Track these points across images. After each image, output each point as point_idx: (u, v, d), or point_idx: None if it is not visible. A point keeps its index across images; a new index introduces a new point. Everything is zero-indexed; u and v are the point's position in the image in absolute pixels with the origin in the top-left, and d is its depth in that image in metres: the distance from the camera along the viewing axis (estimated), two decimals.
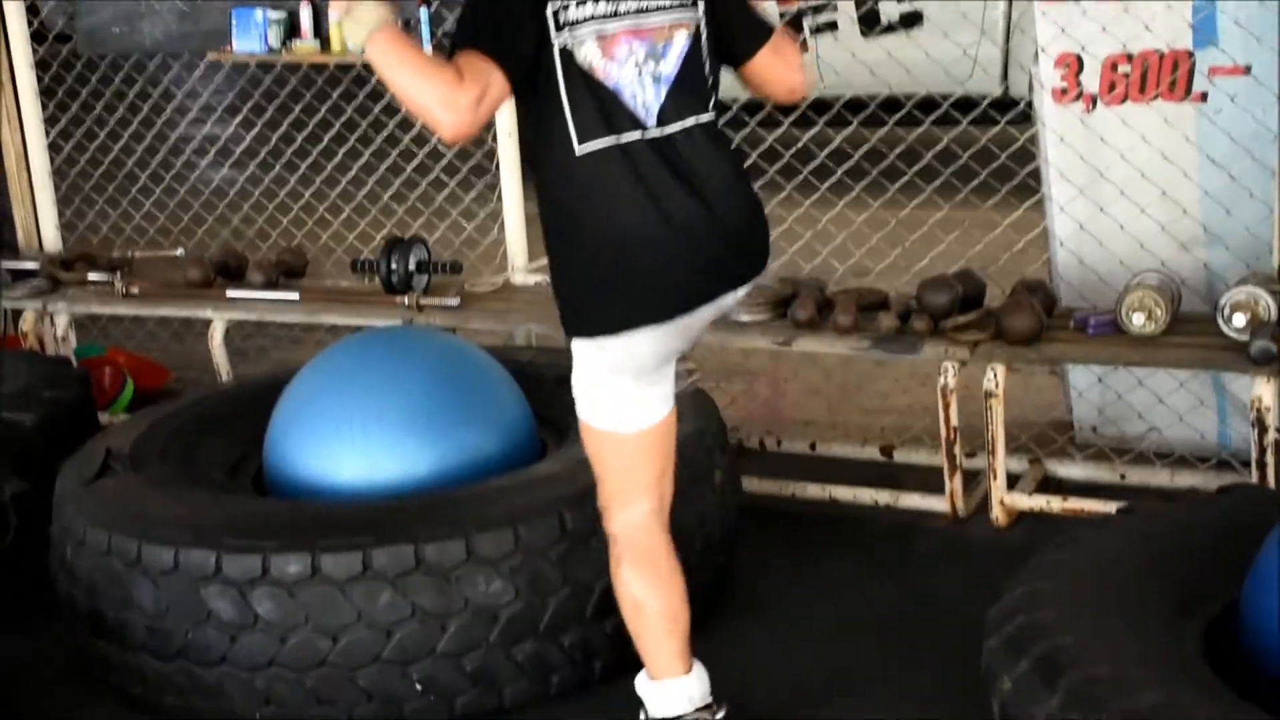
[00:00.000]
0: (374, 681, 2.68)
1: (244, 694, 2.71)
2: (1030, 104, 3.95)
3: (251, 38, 4.42)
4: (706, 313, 2.44)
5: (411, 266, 4.06)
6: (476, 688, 2.72)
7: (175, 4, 4.59)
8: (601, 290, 2.34)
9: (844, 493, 3.71)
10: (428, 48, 4.07)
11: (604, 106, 2.30)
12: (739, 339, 3.80)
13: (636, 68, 2.31)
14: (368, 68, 4.94)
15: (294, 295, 4.23)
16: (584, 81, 2.29)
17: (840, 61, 6.27)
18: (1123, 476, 3.65)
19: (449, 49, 2.30)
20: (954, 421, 3.45)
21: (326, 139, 5.48)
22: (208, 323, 4.26)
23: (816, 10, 6.85)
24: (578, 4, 2.27)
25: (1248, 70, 3.42)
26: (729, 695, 2.54)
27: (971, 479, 3.59)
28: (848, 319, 3.59)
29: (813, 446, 4.02)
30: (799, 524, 3.61)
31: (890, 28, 6.58)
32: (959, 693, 2.52)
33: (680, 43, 2.37)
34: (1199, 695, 1.99)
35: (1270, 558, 2.18)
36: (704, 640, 2.60)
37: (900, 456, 3.93)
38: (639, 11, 2.32)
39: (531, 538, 2.71)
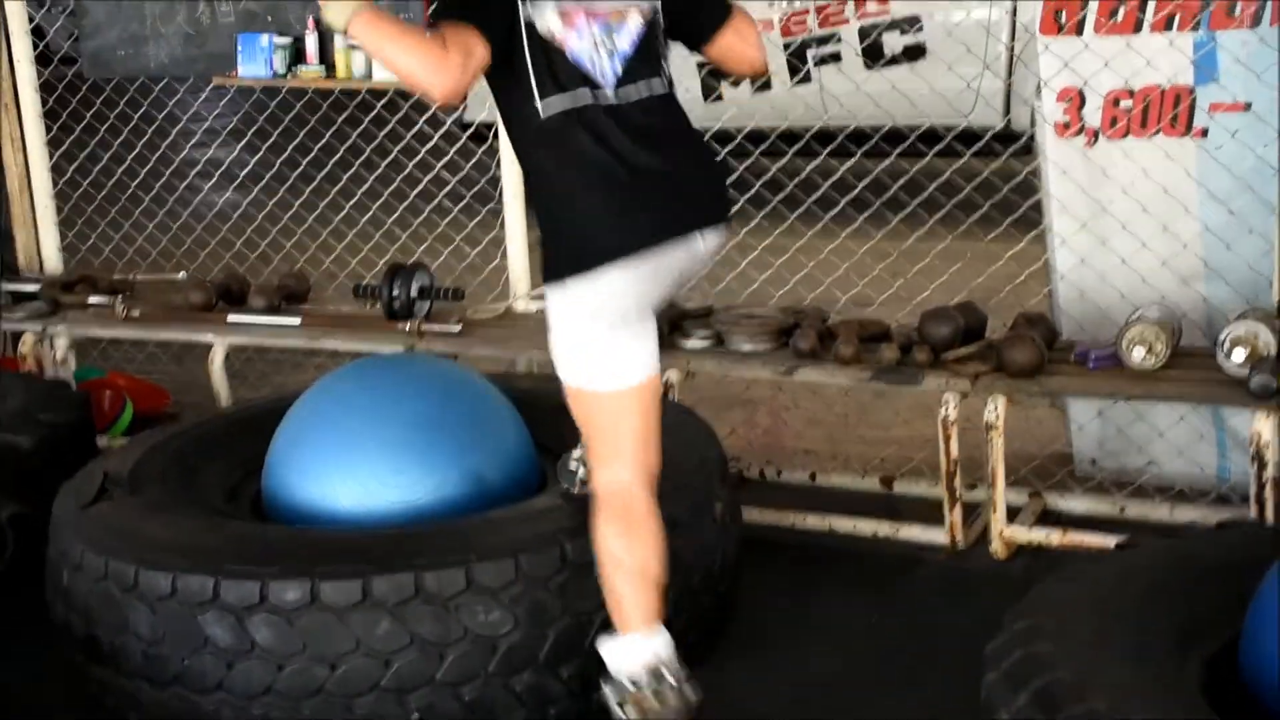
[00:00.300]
0: (372, 710, 2.66)
1: None
2: (1032, 137, 3.97)
3: (257, 63, 4.44)
4: (678, 255, 2.53)
5: (414, 293, 4.06)
6: (475, 718, 2.71)
7: (181, 28, 4.61)
8: (572, 235, 2.51)
9: (844, 524, 3.70)
10: None
11: (564, 74, 2.48)
12: (741, 368, 3.81)
13: (594, 41, 2.49)
14: (373, 93, 4.98)
15: (296, 320, 4.23)
16: (546, 50, 2.47)
17: (844, 93, 6.31)
18: (1122, 510, 3.64)
19: (431, 21, 2.47)
20: (954, 453, 3.45)
21: (330, 164, 5.50)
22: (208, 346, 4.26)
23: (820, 42, 6.89)
24: None
25: (1248, 107, 3.43)
26: None
27: (971, 511, 3.58)
28: (849, 349, 3.59)
29: (813, 477, 4.02)
30: (799, 555, 3.61)
31: (894, 60, 6.62)
32: None
33: (634, 24, 2.54)
34: None
35: (1270, 594, 2.18)
36: (704, 671, 2.59)
37: (900, 488, 3.92)
38: None
39: (532, 567, 2.70)
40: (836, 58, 6.84)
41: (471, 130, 6.56)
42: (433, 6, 2.57)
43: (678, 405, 3.63)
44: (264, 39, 4.41)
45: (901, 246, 4.49)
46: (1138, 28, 3.50)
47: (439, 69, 2.34)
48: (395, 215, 5.40)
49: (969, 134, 4.80)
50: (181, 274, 4.85)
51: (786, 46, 7.00)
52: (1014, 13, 6.15)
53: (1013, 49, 6.35)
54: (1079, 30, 3.57)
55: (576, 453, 2.90)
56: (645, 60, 2.56)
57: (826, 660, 3.11)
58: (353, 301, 4.31)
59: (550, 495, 3.01)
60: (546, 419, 3.19)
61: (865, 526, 3.68)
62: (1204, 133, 3.50)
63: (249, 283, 4.46)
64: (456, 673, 2.67)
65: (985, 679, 2.22)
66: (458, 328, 4.03)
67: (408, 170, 5.22)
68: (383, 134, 5.11)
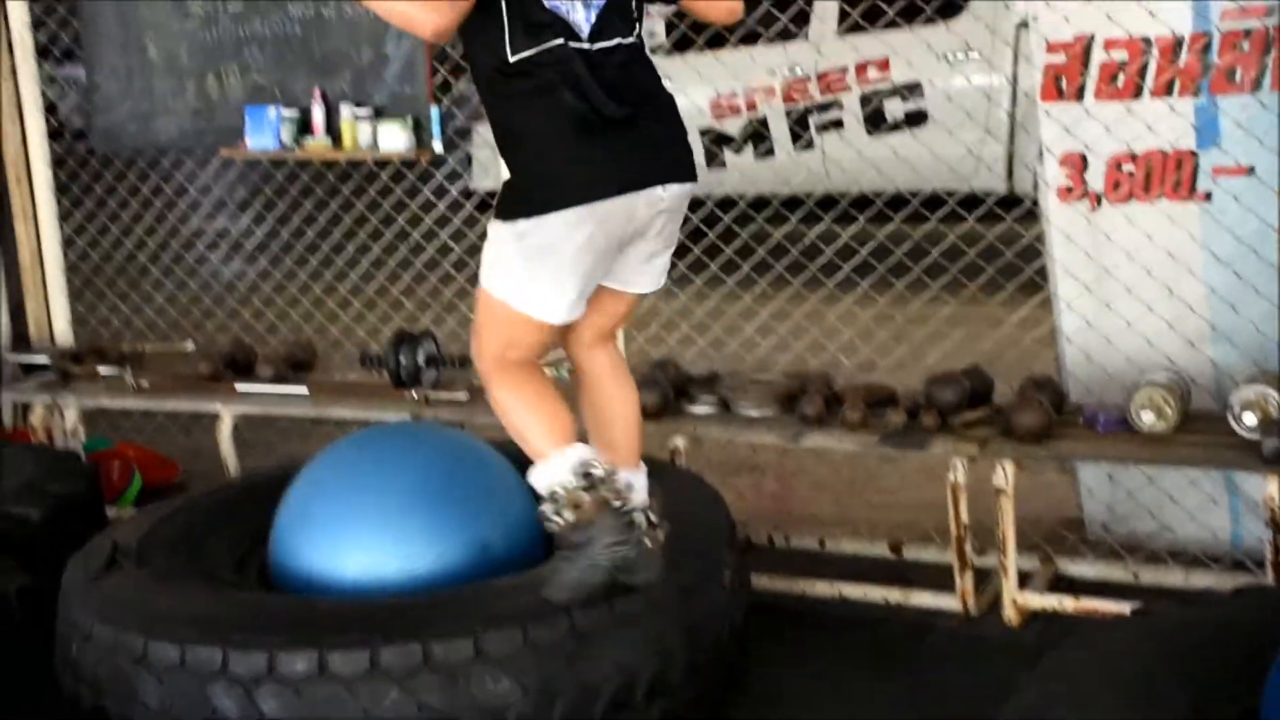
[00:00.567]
0: None
1: None
2: (1035, 202, 3.99)
3: (265, 135, 4.48)
4: (637, 206, 2.65)
5: (420, 361, 4.07)
6: None
7: (190, 102, 4.66)
8: (534, 180, 2.63)
9: (854, 590, 3.68)
10: None
11: (539, 18, 2.58)
12: (747, 434, 3.80)
13: None
14: (378, 163, 5.01)
15: (303, 389, 4.24)
16: None
17: (847, 159, 6.36)
18: (1136, 576, 3.62)
19: None
20: (964, 518, 3.44)
21: (337, 233, 5.53)
22: (216, 416, 4.27)
23: (822, 109, 6.95)
24: None
25: (1251, 170, 3.45)
26: None
27: (983, 577, 3.56)
28: (856, 415, 3.59)
29: (822, 543, 4.00)
30: (808, 622, 3.58)
31: (896, 126, 6.67)
32: None
33: None
34: None
35: None
36: None
37: (910, 554, 3.90)
38: None
39: (540, 637, 2.69)
40: (839, 124, 6.91)
41: (476, 199, 6.61)
42: None
43: (685, 471, 3.63)
44: (271, 111, 4.46)
45: (906, 311, 4.50)
46: (1138, 93, 3.53)
47: (429, 7, 2.49)
48: (401, 284, 5.43)
49: (972, 199, 4.82)
50: (189, 344, 4.86)
51: (789, 113, 7.06)
52: (1014, 79, 6.21)
53: (1014, 115, 6.39)
54: (1079, 96, 3.60)
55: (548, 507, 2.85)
56: (619, 13, 2.66)
57: None
58: (360, 370, 4.32)
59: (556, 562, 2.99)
60: None
61: (875, 593, 3.65)
62: (1207, 196, 3.52)
63: (256, 352, 4.48)
64: None
65: None
66: (464, 395, 4.03)
67: (413, 239, 5.26)
68: (388, 203, 5.14)
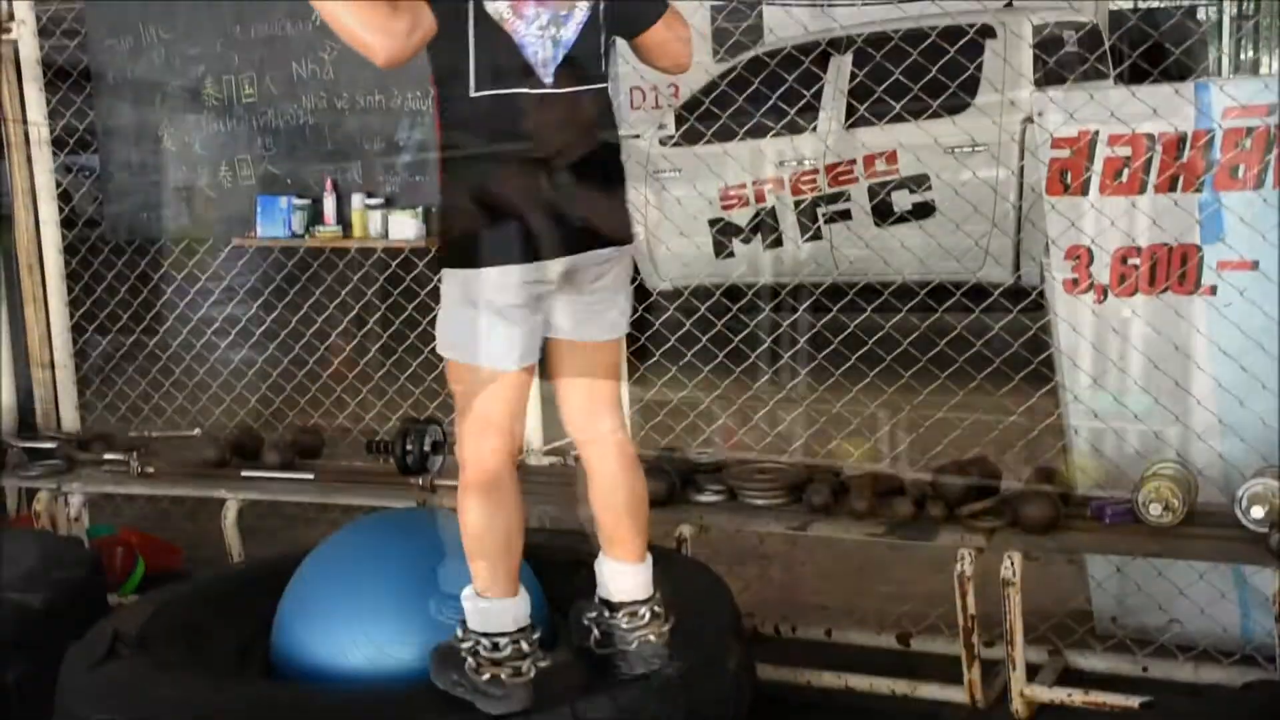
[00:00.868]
0: None
1: None
2: (1042, 294, 4.00)
3: (275, 223, 4.53)
4: (572, 266, 2.69)
5: (426, 447, 4.07)
6: None
7: (202, 191, 4.71)
8: (466, 231, 2.66)
9: (860, 682, 3.64)
10: None
11: (506, 57, 2.59)
12: (753, 523, 3.79)
13: (540, 29, 2.60)
14: (388, 253, 5.05)
15: (309, 475, 4.24)
16: (491, 32, 2.58)
17: (854, 249, 6.40)
18: (1145, 669, 3.58)
19: None
20: (971, 610, 3.41)
21: (345, 321, 5.56)
22: (222, 502, 4.26)
23: (830, 200, 7.00)
24: None
25: (1255, 265, 3.46)
26: None
27: (991, 669, 3.52)
28: (863, 504, 3.58)
29: (828, 633, 3.96)
30: (814, 713, 3.55)
31: (903, 218, 6.72)
32: None
33: (581, 12, 2.66)
34: None
35: None
36: None
37: (918, 645, 3.86)
38: None
39: None
40: (846, 215, 6.95)
41: None
42: None
43: (691, 559, 3.61)
44: (283, 200, 4.51)
45: (914, 401, 4.50)
46: (1142, 189, 3.56)
47: (385, 32, 2.45)
48: (409, 371, 5.44)
49: (979, 290, 4.84)
50: (196, 430, 4.87)
51: (797, 204, 7.12)
52: (1021, 173, 6.26)
53: (1020, 207, 6.44)
54: (1084, 191, 3.63)
55: (591, 612, 2.88)
56: (587, 54, 2.69)
57: None
58: (366, 457, 4.31)
59: (561, 652, 2.97)
60: (558, 574, 3.17)
61: (882, 684, 3.62)
62: (1213, 290, 3.53)
63: (263, 438, 4.48)
64: None
65: None
66: None
67: (422, 326, 5.27)
68: (398, 291, 5.17)
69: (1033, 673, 3.51)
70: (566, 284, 2.74)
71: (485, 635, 2.70)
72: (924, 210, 6.71)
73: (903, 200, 6.80)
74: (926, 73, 4.48)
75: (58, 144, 4.92)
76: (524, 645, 2.71)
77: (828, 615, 4.14)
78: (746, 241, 7.24)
